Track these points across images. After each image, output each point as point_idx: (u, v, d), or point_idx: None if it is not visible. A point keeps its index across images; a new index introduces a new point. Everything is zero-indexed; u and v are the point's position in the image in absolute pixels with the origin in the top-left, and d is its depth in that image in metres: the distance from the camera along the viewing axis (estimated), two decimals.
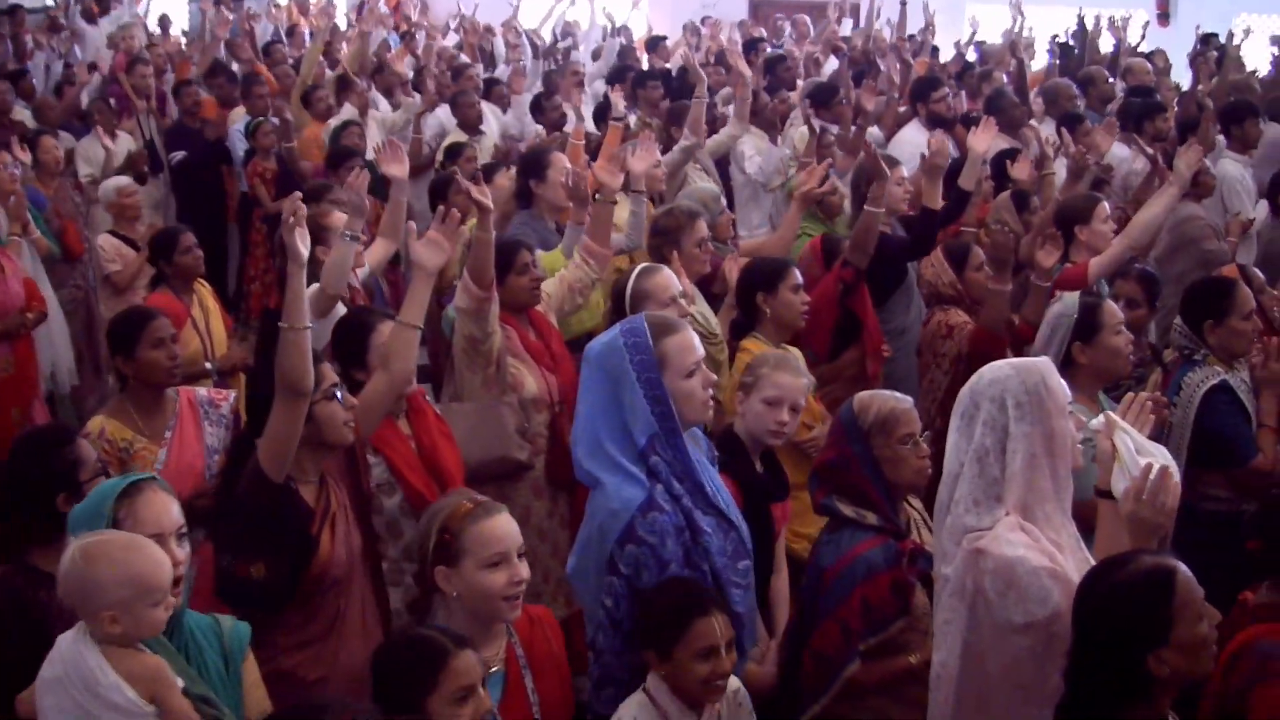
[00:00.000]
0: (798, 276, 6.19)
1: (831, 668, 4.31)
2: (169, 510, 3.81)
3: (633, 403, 4.02)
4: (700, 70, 10.36)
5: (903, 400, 4.55)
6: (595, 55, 15.38)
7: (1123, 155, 9.75)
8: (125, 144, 11.18)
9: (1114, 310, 5.48)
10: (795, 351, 6.18)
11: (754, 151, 10.08)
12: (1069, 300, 5.49)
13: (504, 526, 3.88)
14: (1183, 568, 3.27)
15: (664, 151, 9.29)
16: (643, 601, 3.95)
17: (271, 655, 4.35)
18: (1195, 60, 14.13)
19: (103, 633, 3.42)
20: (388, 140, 7.25)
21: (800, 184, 7.66)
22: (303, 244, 4.45)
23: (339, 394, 4.56)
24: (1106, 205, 7.26)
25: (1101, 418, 3.84)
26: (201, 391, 5.61)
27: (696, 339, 4.20)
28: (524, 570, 3.86)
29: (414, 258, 4.96)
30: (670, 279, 5.74)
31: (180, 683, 3.49)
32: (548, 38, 16.58)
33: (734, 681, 4.06)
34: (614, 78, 12.68)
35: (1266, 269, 7.59)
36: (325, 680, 4.43)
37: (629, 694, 3.97)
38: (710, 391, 4.18)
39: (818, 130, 9.65)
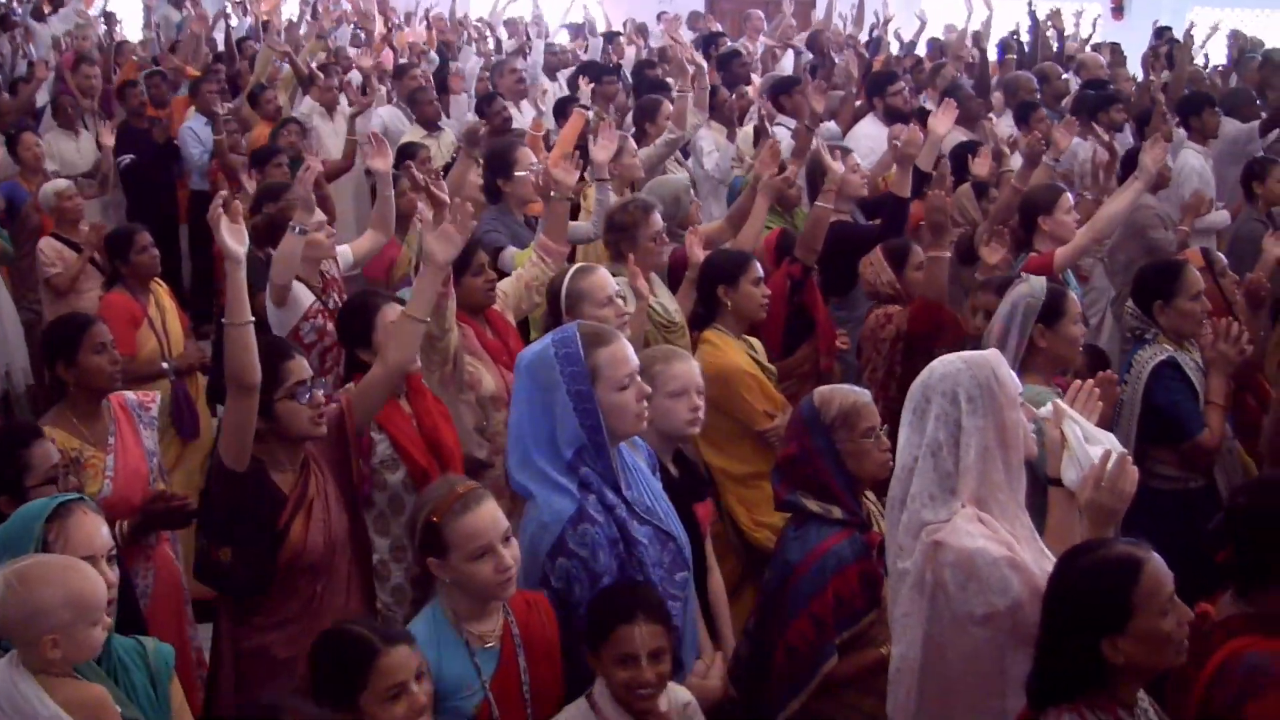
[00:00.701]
0: (759, 269, 6.21)
1: (807, 663, 4.32)
2: (99, 531, 3.82)
3: (562, 414, 3.99)
4: (684, 63, 10.34)
5: (862, 394, 4.57)
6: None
7: (1076, 146, 9.78)
8: (87, 143, 11.17)
9: (1076, 301, 5.53)
10: (756, 343, 6.19)
11: (712, 147, 10.11)
12: (1036, 283, 5.50)
13: (486, 518, 3.86)
14: (1154, 560, 3.27)
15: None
16: (590, 602, 3.94)
17: (246, 632, 4.53)
18: (1150, 54, 14.23)
19: (40, 659, 3.38)
20: (372, 134, 7.38)
21: (757, 173, 7.63)
22: (237, 241, 4.43)
23: (305, 393, 4.57)
24: (1069, 196, 7.32)
25: (1050, 406, 3.87)
26: (130, 395, 5.55)
27: (631, 350, 4.17)
28: (511, 554, 3.85)
29: (425, 249, 4.91)
30: (606, 278, 5.72)
31: (119, 711, 3.47)
32: (504, 34, 16.53)
33: (685, 694, 4.03)
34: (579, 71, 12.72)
35: (1236, 258, 7.64)
36: (298, 659, 4.37)
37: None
38: (645, 404, 4.15)
39: (770, 135, 9.64)
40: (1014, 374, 3.89)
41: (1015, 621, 3.60)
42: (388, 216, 7.16)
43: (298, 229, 6.21)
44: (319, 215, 6.56)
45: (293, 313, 6.29)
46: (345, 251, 7.11)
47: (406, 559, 5.00)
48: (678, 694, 3.99)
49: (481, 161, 8.03)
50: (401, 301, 5.38)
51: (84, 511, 3.82)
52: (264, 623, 4.56)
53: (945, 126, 7.74)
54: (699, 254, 6.61)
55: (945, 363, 3.87)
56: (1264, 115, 10.98)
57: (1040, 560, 3.69)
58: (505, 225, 7.41)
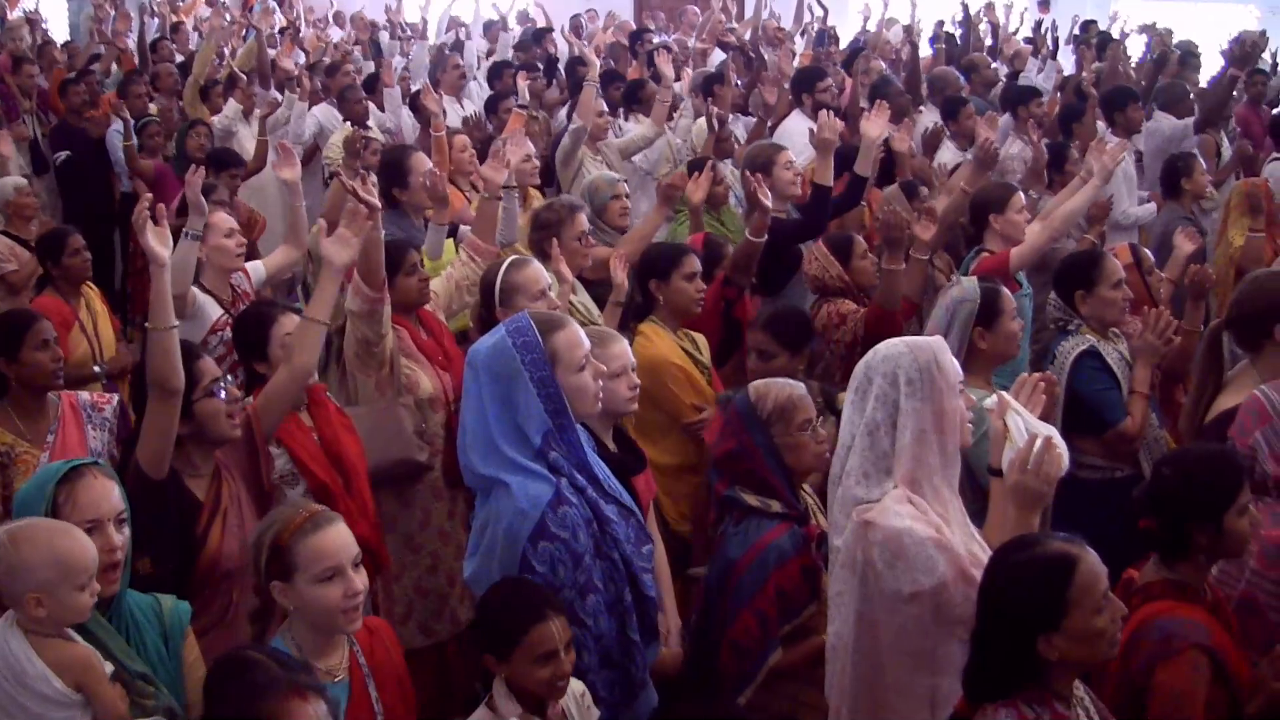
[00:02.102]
0: (694, 265, 6.22)
1: (752, 658, 4.35)
2: (109, 495, 3.81)
3: (526, 402, 3.99)
4: (593, 55, 10.36)
5: (797, 386, 4.60)
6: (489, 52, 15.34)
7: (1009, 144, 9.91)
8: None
9: (1010, 297, 5.57)
10: (699, 338, 6.25)
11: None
12: (968, 285, 5.54)
13: (337, 539, 3.75)
14: (1089, 557, 3.31)
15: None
16: (480, 605, 3.93)
17: None
18: (1077, 47, 14.38)
19: (29, 618, 3.42)
20: (279, 144, 7.26)
21: (673, 182, 7.67)
22: (160, 245, 4.41)
23: (220, 389, 4.54)
24: (1022, 195, 7.32)
25: (994, 397, 3.90)
26: (84, 395, 5.54)
27: (582, 332, 4.20)
28: (359, 582, 3.74)
29: (323, 254, 4.92)
30: (540, 272, 5.74)
31: (109, 669, 3.49)
32: (433, 33, 16.51)
33: (579, 685, 4.00)
34: (498, 70, 12.69)
35: (1163, 254, 7.74)
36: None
37: None
38: (601, 383, 4.19)
39: (716, 126, 9.70)
40: (955, 361, 3.95)
41: (941, 601, 3.67)
42: (299, 228, 7.02)
43: (190, 234, 6.13)
44: (228, 222, 6.53)
45: (199, 325, 6.19)
46: (258, 267, 7.03)
47: None
48: (573, 685, 3.95)
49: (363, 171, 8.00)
50: (298, 312, 5.37)
51: (94, 475, 3.81)
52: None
53: (878, 129, 7.73)
54: (621, 277, 6.57)
55: (889, 345, 3.94)
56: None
57: (969, 544, 3.76)
58: (402, 229, 7.29)
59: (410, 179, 7.51)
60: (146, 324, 4.39)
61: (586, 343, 4.17)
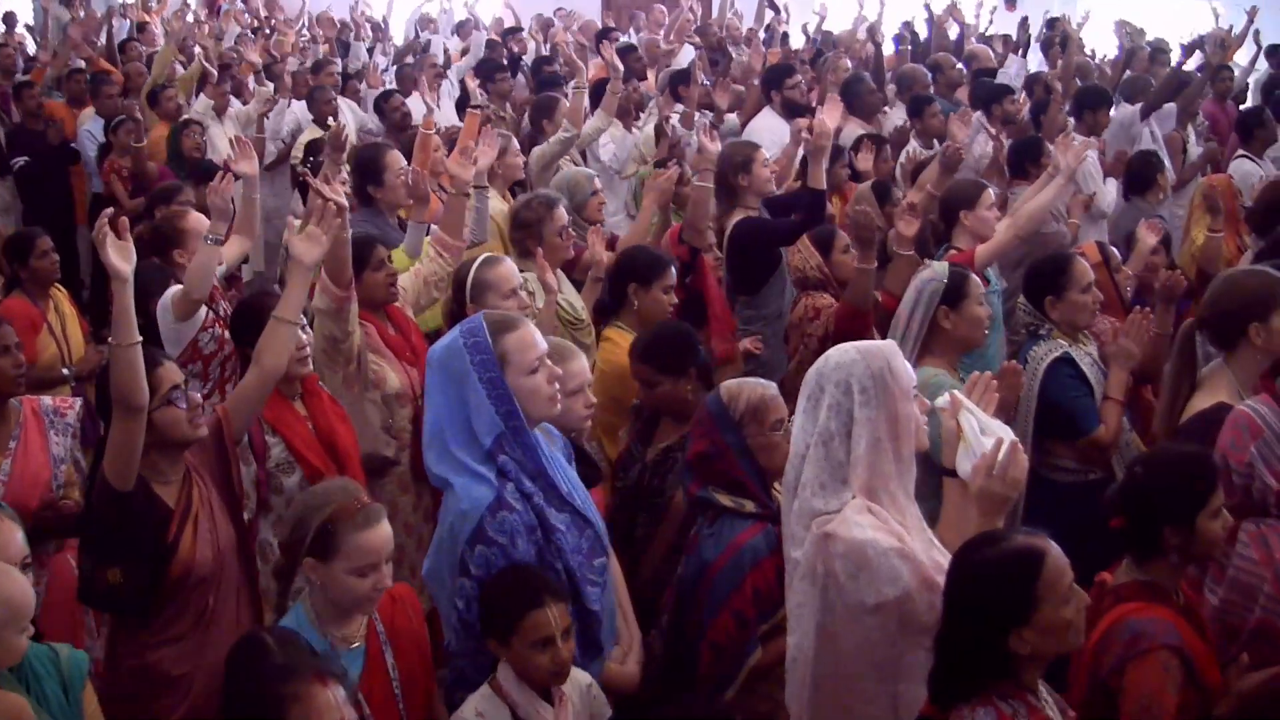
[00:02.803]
0: (673, 278, 6.25)
1: (732, 659, 4.33)
2: (14, 539, 3.77)
3: (477, 403, 3.99)
4: (578, 60, 10.34)
5: (769, 386, 4.59)
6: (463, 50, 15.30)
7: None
8: None
9: (978, 282, 5.60)
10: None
11: (608, 139, 10.12)
12: (939, 267, 5.60)
13: (381, 536, 3.90)
14: (1054, 550, 3.32)
15: (532, 142, 9.27)
16: (482, 590, 3.94)
17: (138, 650, 4.42)
18: (1045, 45, 14.42)
19: None
20: (237, 139, 7.17)
21: (653, 182, 7.64)
22: (123, 260, 4.32)
23: (180, 397, 4.49)
24: (992, 192, 7.35)
25: (946, 396, 3.90)
26: (46, 400, 5.50)
27: (538, 334, 4.18)
28: (389, 576, 3.90)
29: (292, 252, 4.89)
30: (511, 270, 5.74)
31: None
32: (400, 32, 16.50)
33: (586, 676, 4.05)
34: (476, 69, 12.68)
35: (1129, 252, 7.76)
36: (191, 675, 4.41)
37: None
38: (556, 386, 4.16)
39: (669, 132, 9.70)
40: (909, 365, 3.94)
41: (905, 611, 3.66)
42: (252, 220, 6.93)
43: (211, 238, 6.05)
44: (205, 223, 6.40)
45: (192, 325, 6.16)
46: None
47: (272, 559, 4.97)
48: (579, 676, 4.01)
49: (347, 168, 7.97)
50: None
51: (1, 519, 3.78)
52: (154, 639, 4.44)
53: (833, 121, 7.73)
54: (601, 252, 6.64)
55: (841, 351, 3.92)
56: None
57: (929, 550, 3.75)
58: (377, 227, 7.24)
59: (385, 176, 7.50)
60: (110, 339, 4.32)
61: (542, 345, 4.15)
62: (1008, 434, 3.79)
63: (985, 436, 3.75)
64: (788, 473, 3.96)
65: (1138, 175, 9.06)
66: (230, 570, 4.59)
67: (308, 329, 5.38)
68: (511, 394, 4.01)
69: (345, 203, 5.67)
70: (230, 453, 4.77)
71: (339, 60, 14.15)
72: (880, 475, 3.79)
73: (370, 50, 15.72)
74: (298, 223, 4.82)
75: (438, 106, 11.27)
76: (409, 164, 7.68)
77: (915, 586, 3.64)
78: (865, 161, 8.41)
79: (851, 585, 3.69)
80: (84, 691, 3.80)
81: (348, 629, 3.94)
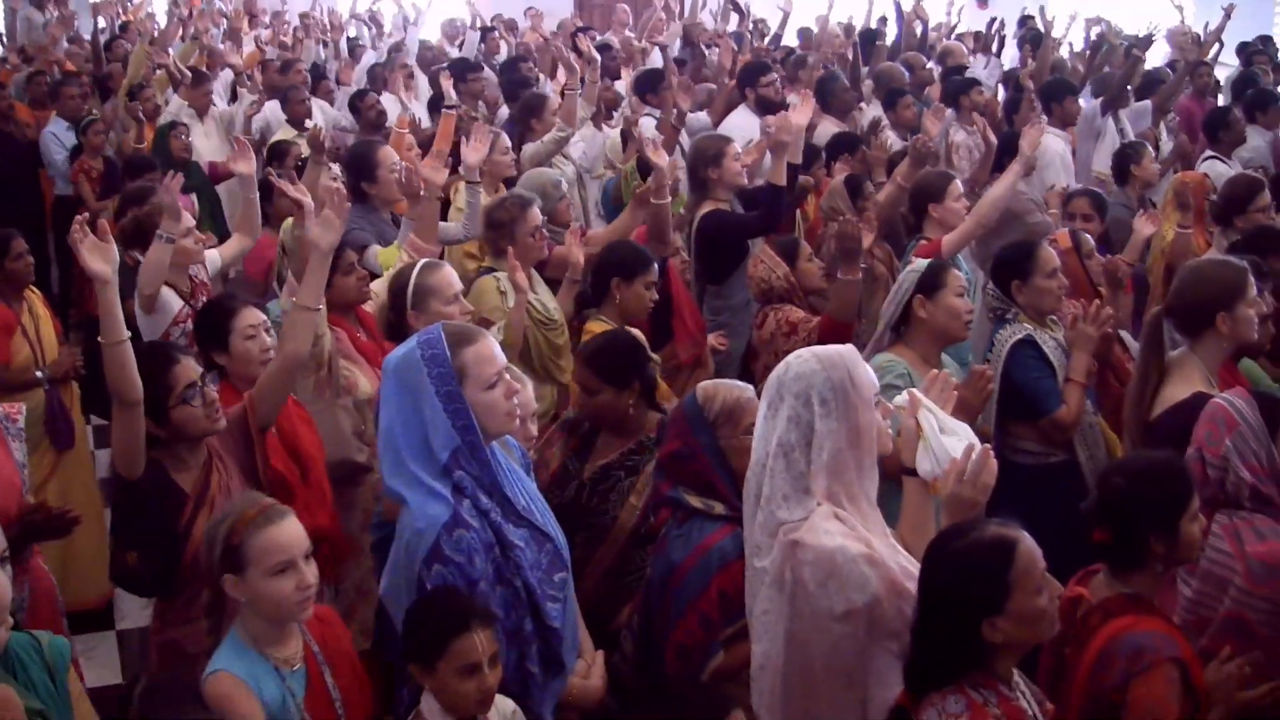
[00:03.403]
0: (655, 274, 6.27)
1: (696, 661, 4.30)
2: None
3: (433, 417, 3.92)
4: (571, 60, 10.34)
5: (745, 389, 4.55)
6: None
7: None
8: None
9: (959, 275, 5.62)
10: (638, 333, 6.18)
11: (579, 138, 10.12)
12: (920, 263, 5.65)
13: (289, 533, 3.83)
14: (1026, 539, 3.34)
15: (520, 140, 9.35)
16: (406, 615, 3.89)
17: (160, 626, 4.61)
18: (1021, 43, 14.46)
19: None
20: (236, 139, 7.35)
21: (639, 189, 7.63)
22: (103, 261, 4.38)
23: (195, 394, 4.57)
24: (960, 183, 7.45)
25: (906, 395, 3.92)
26: None
27: (497, 347, 4.13)
28: (311, 575, 3.82)
29: (309, 237, 4.91)
30: (452, 276, 5.69)
31: (23, 706, 3.47)
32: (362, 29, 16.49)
33: (509, 704, 3.96)
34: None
35: (1103, 240, 7.80)
36: (209, 654, 4.31)
37: None
38: (515, 401, 4.11)
39: (631, 137, 9.71)
40: (870, 371, 3.91)
41: (873, 617, 3.64)
42: (252, 219, 7.10)
43: (164, 236, 6.14)
44: (187, 221, 6.48)
45: (163, 318, 6.24)
46: (213, 256, 7.03)
47: None
48: (503, 703, 3.93)
49: (331, 166, 7.96)
50: (260, 306, 5.45)
51: None
52: (174, 617, 4.54)
53: (804, 118, 7.75)
54: (578, 254, 6.64)
55: (801, 360, 3.88)
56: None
57: (896, 556, 3.74)
58: (371, 224, 7.36)
59: (379, 173, 7.55)
60: (99, 338, 4.39)
61: (501, 359, 4.10)
62: (968, 433, 3.82)
63: (945, 436, 3.77)
64: (749, 481, 3.93)
65: (1115, 167, 9.16)
66: None
67: (272, 331, 5.38)
68: (469, 409, 3.94)
69: (310, 203, 5.68)
70: (255, 439, 4.83)
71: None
72: (843, 482, 3.77)
73: (351, 48, 15.63)
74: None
75: (409, 107, 11.24)
76: None
77: (884, 593, 3.62)
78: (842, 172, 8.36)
79: (820, 592, 3.67)
80: (69, 676, 3.84)
81: (287, 649, 3.86)
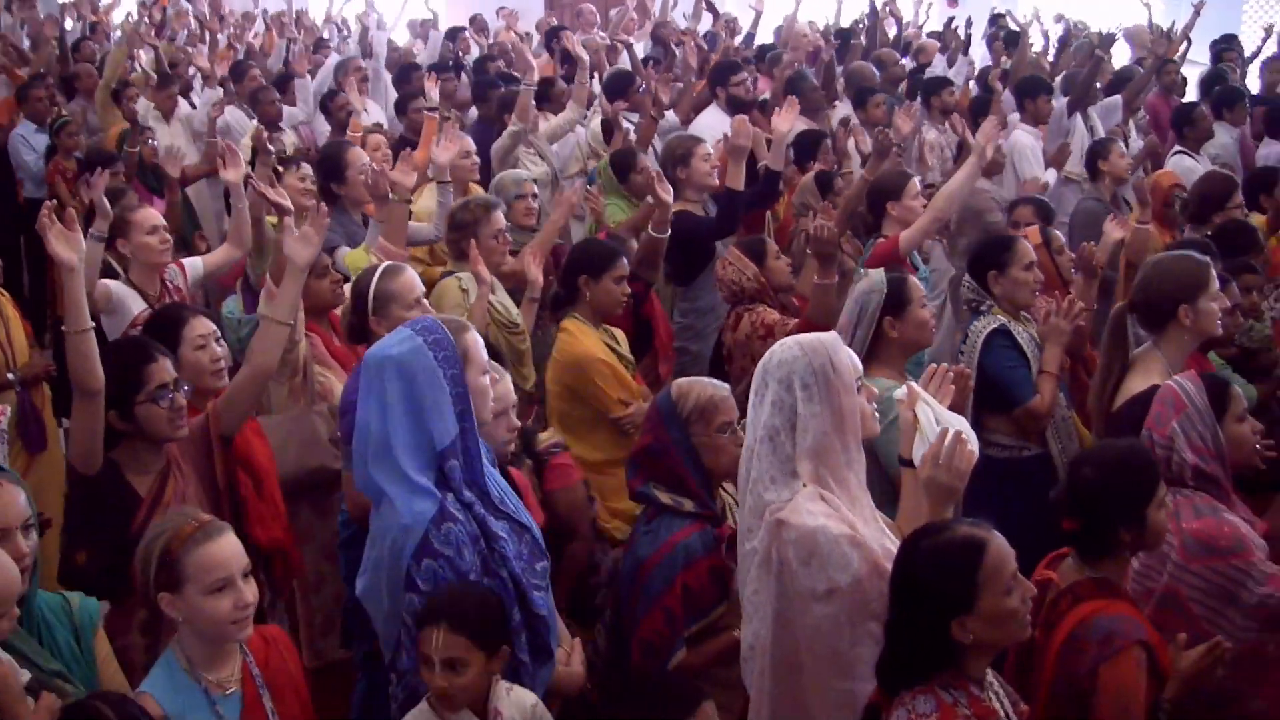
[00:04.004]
0: (625, 268, 6.27)
1: (659, 656, 4.34)
2: (15, 502, 3.78)
3: (438, 402, 3.92)
4: (529, 57, 10.34)
5: (721, 387, 4.59)
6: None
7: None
8: None
9: (918, 284, 5.64)
10: (618, 333, 6.29)
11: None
12: (875, 277, 5.60)
13: (226, 549, 3.71)
14: (997, 539, 3.35)
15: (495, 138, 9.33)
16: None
17: (112, 634, 4.27)
18: (989, 41, 14.51)
19: None
20: (226, 145, 7.19)
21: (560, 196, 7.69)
22: (70, 249, 4.39)
23: (166, 396, 4.53)
24: (917, 182, 7.50)
25: (904, 388, 3.93)
26: None
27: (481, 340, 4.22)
28: (250, 593, 3.71)
29: (286, 252, 4.93)
30: (414, 280, 5.63)
31: (26, 677, 3.43)
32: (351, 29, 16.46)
33: (530, 696, 3.98)
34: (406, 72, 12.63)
35: (1073, 235, 7.94)
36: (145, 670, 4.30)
37: None
38: (492, 393, 4.20)
39: (620, 127, 9.74)
40: (853, 356, 3.97)
41: (855, 598, 3.68)
42: (243, 229, 6.87)
43: (94, 235, 6.16)
44: (154, 219, 6.50)
45: (121, 319, 6.18)
46: (197, 263, 6.97)
47: None
48: (523, 696, 3.95)
49: (302, 164, 7.95)
50: (211, 316, 5.36)
51: (2, 483, 3.80)
52: (122, 626, 4.38)
53: (787, 124, 7.76)
54: (536, 274, 6.63)
55: (784, 347, 3.94)
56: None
57: (881, 539, 3.78)
58: (341, 225, 7.33)
59: (348, 174, 7.55)
60: (63, 327, 4.41)
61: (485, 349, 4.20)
62: (963, 425, 3.83)
63: (941, 427, 3.78)
64: (740, 467, 3.99)
65: (1086, 163, 9.19)
66: None
67: (223, 341, 5.31)
68: (469, 393, 4.00)
69: (289, 207, 5.67)
70: (216, 449, 4.78)
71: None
72: (829, 465, 3.82)
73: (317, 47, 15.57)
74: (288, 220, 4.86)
75: (365, 110, 11.22)
76: None
77: (866, 574, 3.67)
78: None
79: (803, 571, 3.72)
80: (95, 639, 3.84)
81: (222, 672, 3.76)
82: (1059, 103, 10.88)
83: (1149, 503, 3.92)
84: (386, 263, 5.88)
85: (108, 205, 6.33)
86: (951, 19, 15.17)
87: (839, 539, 3.70)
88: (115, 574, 4.34)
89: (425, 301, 5.67)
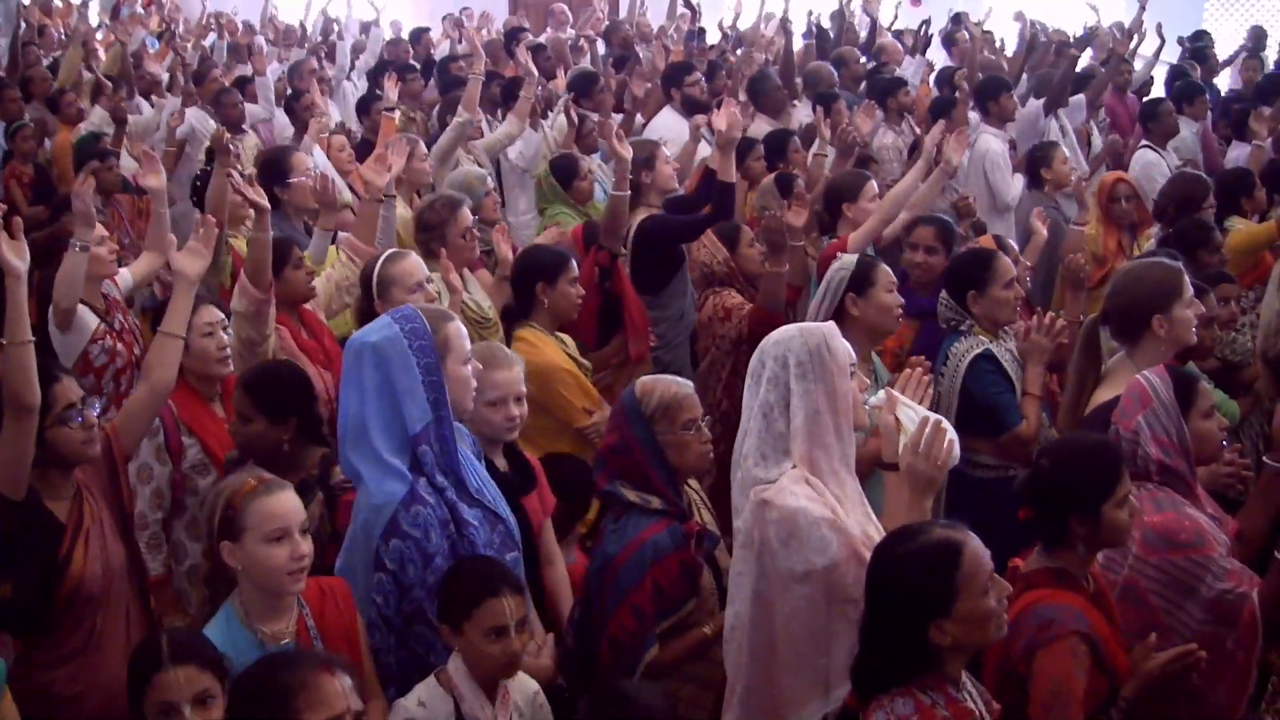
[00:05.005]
0: (575, 269, 6.21)
1: (629, 654, 4.34)
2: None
3: (410, 388, 4.01)
4: (480, 48, 10.31)
5: (684, 385, 4.59)
6: (357, 49, 15.14)
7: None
8: None
9: (888, 271, 5.65)
10: (567, 339, 6.22)
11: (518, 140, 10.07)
12: (847, 259, 5.67)
13: (286, 503, 3.89)
14: (973, 542, 3.36)
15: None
16: (443, 578, 3.98)
17: (27, 671, 4.32)
18: (947, 40, 14.55)
19: None
20: (144, 152, 7.09)
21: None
22: (16, 257, 4.27)
23: (75, 415, 4.41)
24: (874, 184, 7.48)
25: (882, 394, 3.93)
26: None
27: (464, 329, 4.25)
28: (306, 546, 3.86)
29: (174, 267, 4.90)
30: (417, 264, 5.72)
31: None
32: (311, 30, 16.38)
33: (532, 684, 4.07)
34: (379, 70, 12.57)
35: (1025, 243, 7.88)
36: (82, 696, 4.35)
37: (406, 693, 3.97)
38: (475, 383, 4.24)
39: (576, 121, 9.73)
40: (848, 345, 4.03)
41: (831, 581, 3.73)
42: (163, 235, 6.63)
43: (78, 245, 5.92)
44: (100, 230, 6.31)
45: (79, 337, 6.04)
46: (125, 275, 6.75)
47: (163, 548, 5.08)
48: (526, 683, 4.04)
49: (238, 170, 7.90)
50: (219, 304, 5.39)
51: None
52: (43, 659, 4.37)
53: (723, 125, 7.75)
54: (507, 251, 6.65)
55: (782, 330, 4.07)
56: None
57: (865, 524, 3.83)
58: (283, 232, 7.09)
59: (291, 178, 7.46)
60: (2, 339, 4.24)
61: (468, 339, 4.24)
62: (944, 422, 3.81)
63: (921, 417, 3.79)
64: (736, 447, 4.05)
65: (1028, 169, 9.28)
66: (119, 589, 4.53)
67: (229, 330, 5.37)
68: (444, 382, 4.05)
69: (267, 205, 5.66)
70: (120, 470, 4.72)
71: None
72: (821, 447, 3.89)
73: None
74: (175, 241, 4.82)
75: (327, 111, 11.20)
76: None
77: (844, 558, 3.71)
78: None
79: (783, 552, 3.78)
80: (3, 700, 3.79)
81: (277, 624, 3.88)
82: (1033, 105, 10.93)
83: (1106, 499, 3.91)
84: (391, 249, 5.95)
85: (94, 212, 6.12)
86: (927, 20, 15.20)
87: (819, 521, 3.75)
88: (40, 605, 4.32)
89: (429, 287, 5.73)
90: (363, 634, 4.03)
